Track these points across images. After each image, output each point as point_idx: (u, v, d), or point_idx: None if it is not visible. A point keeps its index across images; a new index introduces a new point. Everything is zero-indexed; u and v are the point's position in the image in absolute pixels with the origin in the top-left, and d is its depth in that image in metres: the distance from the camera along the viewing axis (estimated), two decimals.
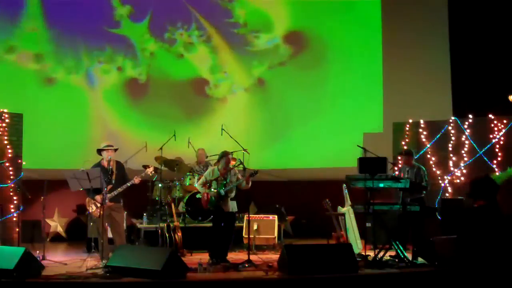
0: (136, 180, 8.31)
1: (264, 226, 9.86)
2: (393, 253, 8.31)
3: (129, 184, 8.28)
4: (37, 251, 8.30)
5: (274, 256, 8.66)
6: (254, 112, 12.96)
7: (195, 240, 9.47)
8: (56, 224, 11.34)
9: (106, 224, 8.15)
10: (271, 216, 10.04)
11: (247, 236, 9.46)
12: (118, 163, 8.53)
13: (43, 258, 8.22)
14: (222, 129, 10.48)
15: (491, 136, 10.05)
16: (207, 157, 10.74)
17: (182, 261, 7.23)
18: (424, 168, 9.15)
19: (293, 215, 11.45)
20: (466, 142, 10.22)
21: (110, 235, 8.40)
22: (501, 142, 9.96)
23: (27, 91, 12.07)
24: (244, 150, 10.10)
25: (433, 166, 10.39)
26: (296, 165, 12.21)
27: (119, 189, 8.23)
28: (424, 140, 10.55)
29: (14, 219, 9.23)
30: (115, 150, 8.47)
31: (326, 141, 12.21)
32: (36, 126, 11.17)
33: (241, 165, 8.86)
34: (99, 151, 8.45)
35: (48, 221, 11.01)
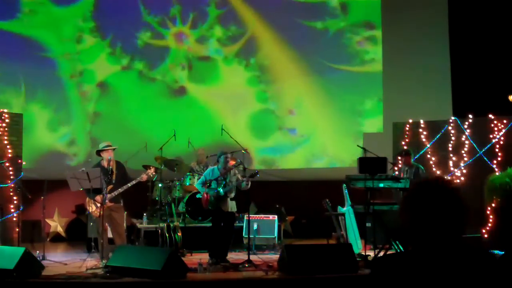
0: (144, 177, 8.30)
1: (264, 226, 9.87)
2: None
3: (134, 182, 8.23)
4: (37, 251, 8.27)
5: (274, 256, 8.65)
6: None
7: (195, 240, 9.47)
8: (56, 224, 11.32)
9: (106, 224, 8.16)
10: (271, 216, 10.03)
11: (247, 236, 9.45)
12: (118, 163, 8.52)
13: (43, 258, 8.21)
14: (222, 129, 10.45)
15: (491, 136, 10.03)
16: (207, 157, 10.73)
17: (182, 261, 7.24)
18: (422, 167, 9.22)
19: (293, 215, 11.46)
20: (466, 142, 10.21)
21: (110, 235, 8.40)
22: (501, 142, 9.94)
23: None
24: (244, 150, 10.08)
25: (433, 166, 10.37)
26: (296, 165, 12.20)
27: (120, 189, 8.23)
28: (424, 140, 10.54)
29: (14, 219, 9.21)
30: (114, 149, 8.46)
31: (326, 141, 12.19)
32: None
33: (241, 165, 8.86)
34: (98, 152, 8.44)
35: (48, 221, 11.00)
